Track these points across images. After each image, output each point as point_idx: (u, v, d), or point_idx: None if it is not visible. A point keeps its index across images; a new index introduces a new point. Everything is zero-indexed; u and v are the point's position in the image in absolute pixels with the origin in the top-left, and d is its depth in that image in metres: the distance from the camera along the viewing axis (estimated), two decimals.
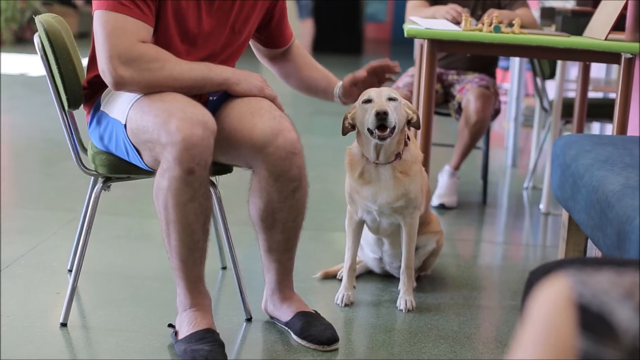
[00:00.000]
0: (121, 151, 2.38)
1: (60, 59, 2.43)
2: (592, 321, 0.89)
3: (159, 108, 2.18)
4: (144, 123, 2.20)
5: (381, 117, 2.50)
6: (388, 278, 3.02)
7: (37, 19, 2.47)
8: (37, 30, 2.47)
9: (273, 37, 2.67)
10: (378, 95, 2.58)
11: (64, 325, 2.46)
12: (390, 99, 2.58)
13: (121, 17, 2.21)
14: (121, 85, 2.23)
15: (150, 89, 2.25)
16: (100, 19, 2.22)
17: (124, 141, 2.32)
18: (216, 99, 2.47)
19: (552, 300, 0.92)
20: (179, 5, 2.33)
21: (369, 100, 2.58)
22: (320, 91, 2.72)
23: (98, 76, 2.33)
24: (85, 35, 11.89)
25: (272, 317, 2.58)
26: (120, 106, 2.33)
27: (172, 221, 2.21)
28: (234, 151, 2.36)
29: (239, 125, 2.32)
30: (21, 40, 11.50)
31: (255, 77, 2.41)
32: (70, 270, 2.87)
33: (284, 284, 2.54)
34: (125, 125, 2.29)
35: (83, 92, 2.49)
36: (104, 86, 2.41)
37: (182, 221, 2.20)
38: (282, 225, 2.42)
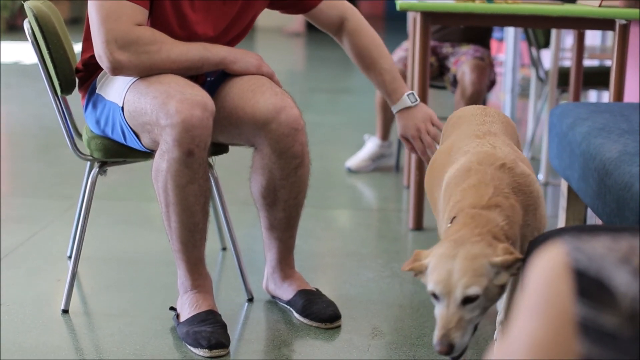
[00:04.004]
0: (118, 134, 2.36)
1: (51, 43, 2.41)
2: (589, 286, 0.89)
3: (157, 90, 2.17)
4: (142, 105, 2.19)
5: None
6: (389, 254, 3.02)
7: (26, 5, 2.44)
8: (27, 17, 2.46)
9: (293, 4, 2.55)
10: (446, 291, 1.60)
11: (65, 311, 2.46)
12: (468, 299, 1.60)
13: (116, 1, 2.19)
14: (119, 69, 2.21)
15: (148, 72, 2.23)
16: (94, 3, 2.19)
17: (121, 124, 2.31)
18: (213, 79, 2.45)
19: (549, 267, 0.92)
20: None
21: (435, 296, 1.64)
22: (381, 83, 2.57)
23: (93, 57, 2.31)
24: (77, 20, 11.83)
25: (273, 296, 2.58)
26: (117, 89, 2.31)
27: (172, 203, 2.21)
28: (236, 129, 2.34)
29: (241, 103, 2.30)
30: (13, 28, 11.43)
31: (252, 55, 2.39)
32: (70, 257, 2.87)
33: (285, 262, 2.54)
34: (122, 108, 2.28)
35: (78, 75, 2.48)
36: (99, 68, 2.39)
37: (182, 203, 2.20)
38: (284, 202, 2.41)
